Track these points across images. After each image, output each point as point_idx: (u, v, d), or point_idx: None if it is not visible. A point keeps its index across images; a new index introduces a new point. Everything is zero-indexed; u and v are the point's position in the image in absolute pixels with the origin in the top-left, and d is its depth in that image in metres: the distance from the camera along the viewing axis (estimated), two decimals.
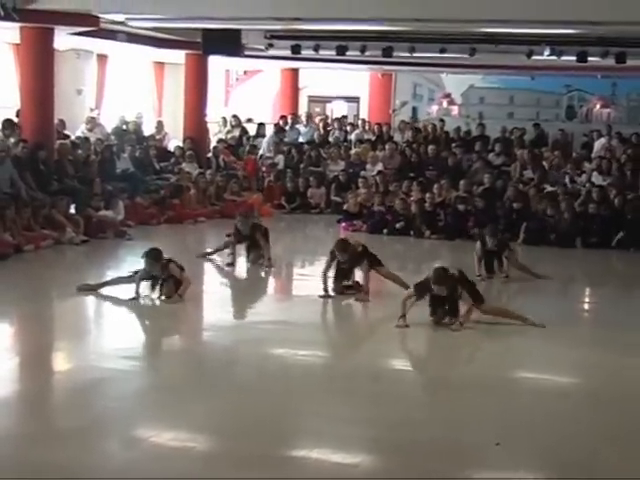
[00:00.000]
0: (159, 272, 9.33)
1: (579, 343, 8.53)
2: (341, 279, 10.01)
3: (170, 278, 9.35)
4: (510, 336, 8.66)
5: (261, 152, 19.77)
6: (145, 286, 9.44)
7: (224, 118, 21.28)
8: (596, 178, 16.64)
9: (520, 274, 11.31)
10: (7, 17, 12.13)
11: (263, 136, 20.55)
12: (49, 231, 12.47)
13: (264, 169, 18.79)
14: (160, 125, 19.24)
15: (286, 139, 20.22)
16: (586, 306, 11.30)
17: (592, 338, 8.98)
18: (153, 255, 9.37)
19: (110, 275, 10.28)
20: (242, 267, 11.62)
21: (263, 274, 11.48)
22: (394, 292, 9.65)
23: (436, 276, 8.51)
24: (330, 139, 20.44)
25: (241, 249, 11.81)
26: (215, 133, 20.58)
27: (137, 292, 9.34)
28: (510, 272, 11.22)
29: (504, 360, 7.93)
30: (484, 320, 8.72)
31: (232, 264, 11.51)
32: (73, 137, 16.31)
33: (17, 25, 13.33)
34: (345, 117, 22.33)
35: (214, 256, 12.04)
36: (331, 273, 10.00)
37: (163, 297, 9.35)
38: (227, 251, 11.70)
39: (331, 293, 9.86)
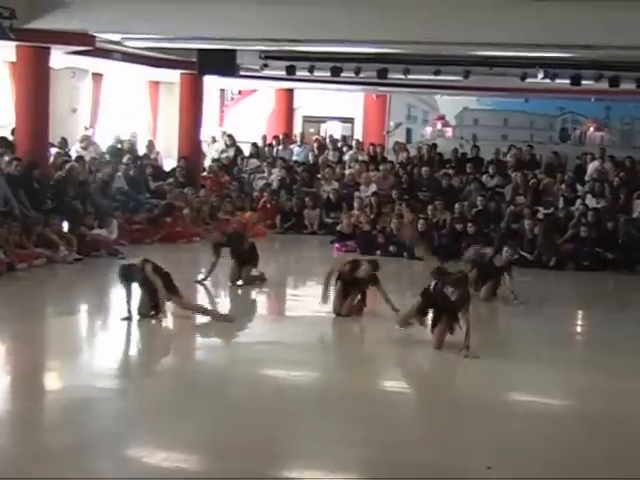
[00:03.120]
0: (138, 275, 9.28)
1: (572, 366, 8.53)
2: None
3: (147, 285, 9.31)
4: (504, 359, 8.67)
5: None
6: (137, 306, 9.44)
7: (213, 137, 21.27)
8: (590, 201, 16.69)
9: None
10: (4, 36, 12.14)
11: (258, 156, 20.59)
12: (42, 249, 12.45)
13: (258, 191, 18.77)
14: (151, 144, 19.15)
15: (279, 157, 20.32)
16: (578, 328, 11.33)
17: (584, 361, 8.98)
18: (123, 269, 9.36)
19: (103, 294, 10.24)
20: (234, 287, 11.59)
21: (256, 294, 11.45)
22: (389, 313, 9.68)
23: (457, 278, 8.55)
24: (320, 159, 20.39)
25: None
26: (204, 152, 20.54)
27: (129, 311, 9.32)
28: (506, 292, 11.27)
29: (498, 383, 7.92)
30: (479, 343, 8.71)
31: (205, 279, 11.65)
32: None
33: (13, 44, 13.38)
34: (334, 138, 22.22)
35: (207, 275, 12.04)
36: None
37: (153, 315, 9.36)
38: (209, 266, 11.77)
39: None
